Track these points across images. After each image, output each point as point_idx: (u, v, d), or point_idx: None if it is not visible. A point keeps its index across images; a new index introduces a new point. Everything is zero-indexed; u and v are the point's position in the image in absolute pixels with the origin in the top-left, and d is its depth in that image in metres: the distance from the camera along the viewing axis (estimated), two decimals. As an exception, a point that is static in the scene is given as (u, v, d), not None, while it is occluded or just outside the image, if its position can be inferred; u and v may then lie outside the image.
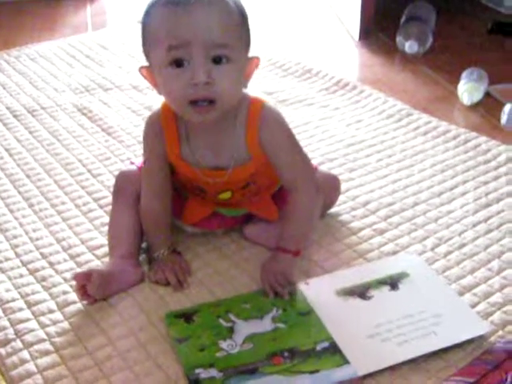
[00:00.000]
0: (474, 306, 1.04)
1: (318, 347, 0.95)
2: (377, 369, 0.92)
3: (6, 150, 1.58)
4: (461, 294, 1.07)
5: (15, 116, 1.76)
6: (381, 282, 1.08)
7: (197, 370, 0.92)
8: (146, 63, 1.03)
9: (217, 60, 0.95)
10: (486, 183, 1.39)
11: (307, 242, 1.15)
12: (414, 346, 0.95)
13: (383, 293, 1.06)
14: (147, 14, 0.99)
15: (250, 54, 1.03)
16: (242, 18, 0.99)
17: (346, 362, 0.92)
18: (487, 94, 1.82)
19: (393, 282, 1.08)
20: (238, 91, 1.02)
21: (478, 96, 1.78)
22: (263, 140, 1.06)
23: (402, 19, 2.27)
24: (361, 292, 1.06)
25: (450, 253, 1.17)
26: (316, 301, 1.04)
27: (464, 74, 1.85)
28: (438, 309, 1.02)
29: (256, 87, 1.84)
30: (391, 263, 1.14)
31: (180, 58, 0.94)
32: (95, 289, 1.03)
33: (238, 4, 0.99)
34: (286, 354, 0.94)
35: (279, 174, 1.10)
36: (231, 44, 0.96)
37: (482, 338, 0.97)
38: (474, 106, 1.78)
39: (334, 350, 0.94)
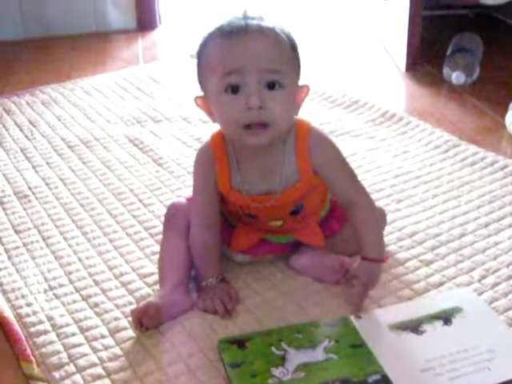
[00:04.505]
0: (522, 338, 1.04)
1: (370, 379, 0.95)
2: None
3: (61, 179, 1.63)
4: (509, 325, 1.06)
5: (70, 147, 1.82)
6: (434, 317, 1.07)
7: (248, 396, 0.93)
8: (199, 94, 1.09)
9: (270, 86, 0.99)
10: (534, 215, 1.39)
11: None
12: (468, 381, 0.94)
13: (436, 328, 1.05)
14: (203, 45, 1.05)
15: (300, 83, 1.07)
16: (292, 46, 1.04)
17: (397, 395, 0.92)
18: (535, 125, 1.81)
19: (446, 317, 1.07)
20: (289, 117, 1.05)
21: (526, 127, 1.77)
22: (316, 163, 1.09)
23: (449, 50, 2.28)
24: (413, 327, 1.05)
25: (497, 284, 1.17)
26: (368, 334, 1.04)
27: (511, 105, 1.84)
28: (492, 344, 1.01)
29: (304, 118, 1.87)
30: (444, 298, 1.13)
31: (235, 84, 0.99)
32: (150, 321, 1.06)
33: (287, 34, 1.04)
34: None
35: (337, 192, 1.13)
36: (283, 70, 1.00)
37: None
38: (522, 137, 1.77)
39: (385, 383, 0.94)
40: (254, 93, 0.98)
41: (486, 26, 2.80)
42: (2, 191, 1.58)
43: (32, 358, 1.03)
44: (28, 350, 1.05)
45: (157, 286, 1.18)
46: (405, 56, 2.32)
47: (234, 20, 1.02)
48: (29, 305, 1.16)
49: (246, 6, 1.04)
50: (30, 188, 1.59)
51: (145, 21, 3.01)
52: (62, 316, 1.13)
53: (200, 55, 1.06)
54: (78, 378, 0.99)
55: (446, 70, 2.20)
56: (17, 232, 1.40)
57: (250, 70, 0.98)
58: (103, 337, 1.07)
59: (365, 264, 1.10)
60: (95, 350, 1.04)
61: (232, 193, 1.12)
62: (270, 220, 1.16)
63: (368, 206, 1.12)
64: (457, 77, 2.13)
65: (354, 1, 3.32)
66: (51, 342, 1.06)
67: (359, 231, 1.11)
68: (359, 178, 1.54)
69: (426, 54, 2.39)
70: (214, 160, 1.11)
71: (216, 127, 1.11)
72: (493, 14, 2.93)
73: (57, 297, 1.18)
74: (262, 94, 0.98)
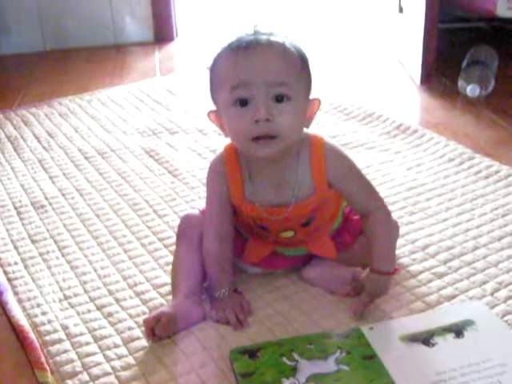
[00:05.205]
0: (534, 352, 1.03)
1: None
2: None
3: (77, 190, 1.65)
4: (521, 339, 1.06)
5: (86, 158, 1.84)
6: (445, 330, 1.07)
7: (259, 406, 0.93)
8: (212, 108, 1.10)
9: (278, 98, 1.00)
10: (548, 228, 1.38)
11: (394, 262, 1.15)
12: None
13: (447, 340, 1.05)
14: (214, 61, 1.07)
15: (312, 96, 1.09)
16: (301, 60, 1.05)
17: (407, 407, 0.92)
18: (551, 138, 1.81)
19: (458, 330, 1.07)
20: (297, 129, 1.06)
21: (541, 140, 1.77)
22: (331, 176, 1.10)
23: (464, 63, 2.28)
24: (425, 339, 1.05)
25: (510, 298, 1.16)
26: (380, 346, 1.04)
27: (527, 118, 1.84)
28: (503, 358, 1.00)
29: (319, 131, 1.87)
30: (456, 310, 1.13)
31: (243, 98, 1.00)
32: (163, 331, 1.07)
33: (297, 48, 1.05)
34: None
35: (354, 203, 1.14)
36: (290, 83, 1.01)
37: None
38: (537, 150, 1.77)
39: None
40: (262, 106, 0.99)
41: (501, 39, 2.80)
42: (20, 201, 1.60)
43: (46, 366, 1.05)
44: (43, 358, 1.06)
45: (170, 297, 1.18)
46: (420, 68, 2.32)
47: (244, 36, 1.04)
48: (44, 314, 1.17)
49: (257, 22, 1.06)
50: (46, 198, 1.61)
51: (162, 33, 3.04)
52: (76, 325, 1.14)
53: (211, 70, 1.08)
54: (91, 386, 1.00)
55: (460, 83, 2.20)
56: (33, 242, 1.41)
57: (257, 83, 0.99)
58: (117, 346, 1.08)
59: (373, 275, 1.10)
60: (108, 359, 1.05)
61: (244, 204, 1.13)
62: (281, 231, 1.17)
63: (384, 217, 1.13)
64: (472, 89, 2.13)
65: (370, 13, 3.33)
66: (65, 351, 1.08)
67: (371, 241, 1.12)
68: (373, 191, 1.56)
69: (441, 67, 2.39)
70: (227, 171, 1.13)
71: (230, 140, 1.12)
72: (509, 26, 2.92)
73: (72, 306, 1.19)
74: (270, 107, 0.99)
